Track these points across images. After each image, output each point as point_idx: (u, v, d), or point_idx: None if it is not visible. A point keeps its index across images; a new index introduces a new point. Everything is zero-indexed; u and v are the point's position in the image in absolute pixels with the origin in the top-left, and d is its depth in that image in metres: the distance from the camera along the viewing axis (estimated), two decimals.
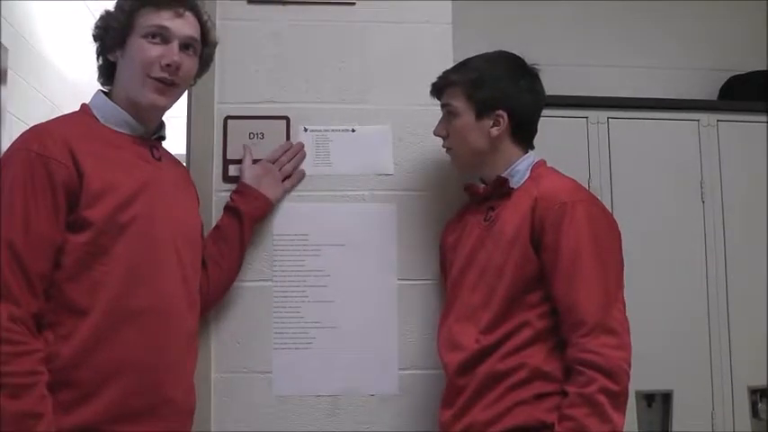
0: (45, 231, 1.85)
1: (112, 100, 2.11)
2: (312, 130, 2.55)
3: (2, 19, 3.75)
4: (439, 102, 2.33)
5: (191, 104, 2.54)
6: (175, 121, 2.61)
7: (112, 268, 1.92)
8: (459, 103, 2.25)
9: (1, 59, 3.70)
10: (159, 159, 2.15)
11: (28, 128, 2.00)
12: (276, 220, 2.48)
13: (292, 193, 2.52)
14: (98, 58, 2.15)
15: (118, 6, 2.09)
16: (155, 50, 2.04)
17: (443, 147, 2.35)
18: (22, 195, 1.84)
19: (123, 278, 1.93)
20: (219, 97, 2.53)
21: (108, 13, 2.11)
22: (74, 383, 1.85)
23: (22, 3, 4.06)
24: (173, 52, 2.05)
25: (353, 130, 2.56)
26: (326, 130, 2.55)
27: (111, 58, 2.11)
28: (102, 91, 2.15)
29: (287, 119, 2.55)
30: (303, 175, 2.51)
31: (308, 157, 2.54)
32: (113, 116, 2.08)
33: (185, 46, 2.09)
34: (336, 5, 2.61)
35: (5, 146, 3.57)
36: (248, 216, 2.38)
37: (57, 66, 4.64)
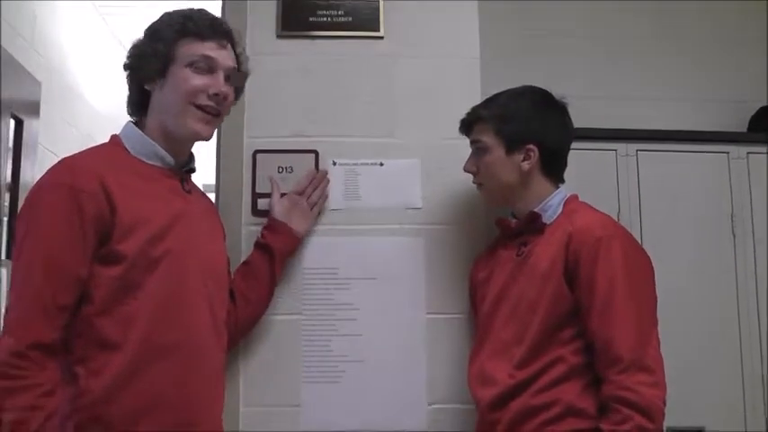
0: (69, 264, 1.84)
1: (143, 131, 2.09)
2: (341, 164, 2.56)
3: (35, 53, 3.81)
4: (467, 137, 2.34)
5: (220, 138, 2.55)
6: (205, 151, 2.64)
7: (144, 302, 1.90)
8: (489, 139, 2.26)
9: (30, 92, 3.74)
10: (189, 192, 2.15)
11: (58, 160, 1.99)
12: (306, 253, 2.48)
13: (322, 227, 2.52)
14: (130, 88, 2.13)
15: (155, 36, 2.08)
16: (201, 80, 2.04)
17: (474, 182, 2.35)
18: (48, 228, 1.85)
19: (154, 313, 1.91)
20: (249, 131, 2.55)
21: (143, 42, 2.09)
22: (105, 420, 1.82)
23: (55, 36, 4.12)
24: (220, 82, 2.06)
25: (382, 164, 2.56)
26: (355, 164, 2.56)
27: (147, 87, 2.08)
28: (132, 122, 2.14)
29: (316, 152, 2.56)
30: (326, 198, 2.53)
31: (336, 190, 2.55)
32: (144, 148, 2.06)
33: (227, 77, 2.09)
34: (364, 39, 2.63)
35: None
36: (279, 253, 2.37)
37: (88, 98, 4.71)
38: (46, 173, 1.96)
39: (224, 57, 2.08)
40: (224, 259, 2.25)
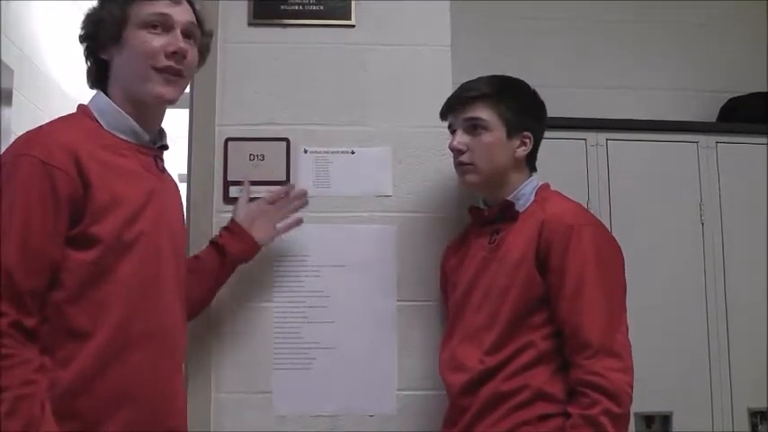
0: (43, 246, 1.71)
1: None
2: (312, 152, 2.57)
3: (7, 39, 3.78)
4: (444, 119, 2.34)
5: (191, 126, 2.56)
6: (176, 142, 2.63)
7: (117, 288, 1.79)
8: (491, 118, 2.23)
9: (2, 80, 3.72)
10: (163, 172, 2.04)
11: (28, 131, 1.87)
12: (277, 241, 2.46)
13: (293, 215, 2.51)
14: (87, 60, 2.00)
15: (106, 0, 1.97)
16: (158, 40, 1.91)
17: (460, 161, 2.28)
18: (22, 206, 1.71)
19: (128, 299, 1.80)
20: (220, 119, 2.54)
21: (95, 9, 1.97)
22: (76, 414, 1.72)
23: (27, 23, 4.09)
24: (177, 39, 1.93)
25: (353, 152, 2.58)
26: (326, 152, 2.57)
27: (104, 56, 1.96)
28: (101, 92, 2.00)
29: (287, 140, 2.56)
30: (300, 222, 2.45)
31: (307, 178, 2.55)
32: (118, 122, 1.93)
33: (187, 34, 1.97)
34: (336, 28, 2.64)
35: None
36: (232, 257, 2.29)
37: (61, 86, 4.67)
38: (15, 144, 1.83)
39: (179, 12, 1.96)
40: (186, 240, 2.20)
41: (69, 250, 1.76)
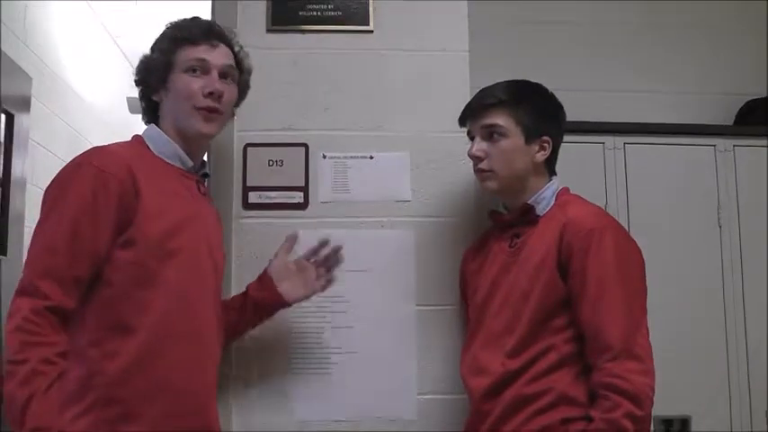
0: (89, 239, 1.92)
1: None
2: (331, 157, 2.58)
3: (25, 47, 3.81)
4: (462, 126, 2.35)
5: None
6: None
7: (161, 290, 1.98)
8: (509, 124, 2.24)
9: (20, 87, 3.74)
10: (204, 195, 2.25)
11: (90, 148, 2.09)
12: (296, 247, 2.44)
13: (312, 220, 2.54)
14: (142, 101, 2.25)
15: (156, 49, 2.20)
16: (197, 82, 2.14)
17: (480, 167, 2.28)
18: (75, 203, 1.93)
19: (170, 303, 1.99)
20: (239, 125, 2.55)
21: (147, 57, 2.22)
22: (119, 400, 1.90)
23: (46, 31, 4.12)
24: (214, 80, 2.14)
25: (372, 157, 2.58)
26: (345, 157, 2.58)
27: (155, 98, 2.20)
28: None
29: (306, 146, 2.58)
30: (332, 281, 2.38)
31: (326, 183, 2.57)
32: (166, 148, 2.16)
33: (224, 75, 2.18)
34: (355, 33, 2.65)
35: (30, 173, 3.64)
36: (251, 300, 2.32)
37: (79, 93, 4.70)
38: (76, 156, 2.04)
39: (216, 56, 2.17)
40: (223, 263, 2.30)
41: (117, 251, 1.96)
